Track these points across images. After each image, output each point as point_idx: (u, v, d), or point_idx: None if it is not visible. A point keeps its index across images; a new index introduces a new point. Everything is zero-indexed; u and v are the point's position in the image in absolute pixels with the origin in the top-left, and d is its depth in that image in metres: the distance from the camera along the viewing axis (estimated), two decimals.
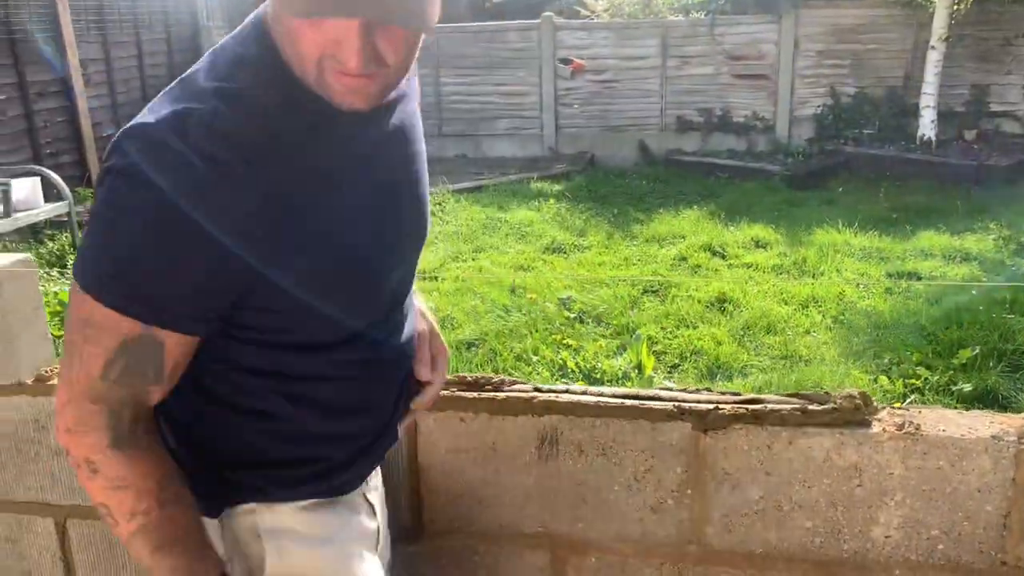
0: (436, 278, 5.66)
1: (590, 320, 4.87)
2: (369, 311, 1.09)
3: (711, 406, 1.46)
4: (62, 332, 1.05)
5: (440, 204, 7.77)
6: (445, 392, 1.53)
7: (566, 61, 10.37)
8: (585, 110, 10.63)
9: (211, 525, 1.14)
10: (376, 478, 1.31)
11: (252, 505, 1.14)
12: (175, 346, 0.97)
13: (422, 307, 1.32)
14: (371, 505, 1.26)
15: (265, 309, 1.00)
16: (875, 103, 9.80)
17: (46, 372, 1.68)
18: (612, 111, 10.57)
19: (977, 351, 3.97)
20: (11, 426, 1.66)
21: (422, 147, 1.16)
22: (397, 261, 1.12)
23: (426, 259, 6.08)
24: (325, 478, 1.16)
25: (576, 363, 4.21)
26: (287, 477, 1.15)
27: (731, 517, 1.48)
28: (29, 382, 1.66)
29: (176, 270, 0.92)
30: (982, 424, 1.40)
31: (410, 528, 1.59)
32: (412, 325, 1.23)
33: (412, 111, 1.14)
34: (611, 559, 1.54)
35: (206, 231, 0.89)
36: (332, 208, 0.99)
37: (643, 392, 1.52)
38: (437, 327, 1.33)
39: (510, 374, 3.98)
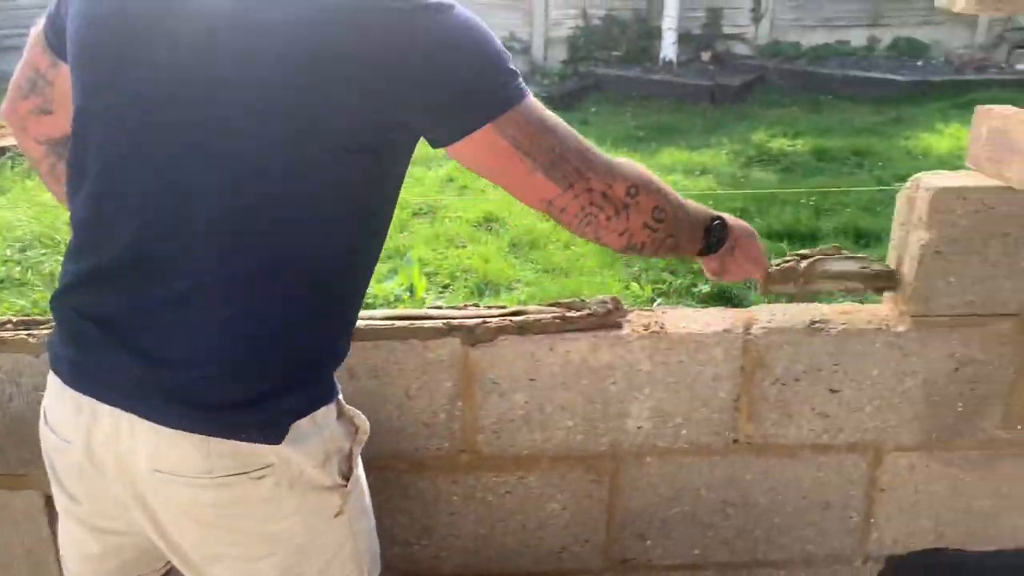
0: None
1: None
2: None
3: (479, 320, 1.51)
4: None
5: None
6: None
7: None
8: None
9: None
10: None
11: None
12: None
13: None
14: None
15: None
16: (622, 25, 10.26)
17: None
18: None
19: None
20: None
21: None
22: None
23: None
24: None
25: None
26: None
27: (500, 424, 1.55)
28: None
29: None
30: (715, 320, 1.56)
31: None
32: None
33: None
34: (387, 476, 1.57)
35: None
36: None
37: (413, 312, 1.54)
38: None
39: None
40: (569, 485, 1.61)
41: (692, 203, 1.22)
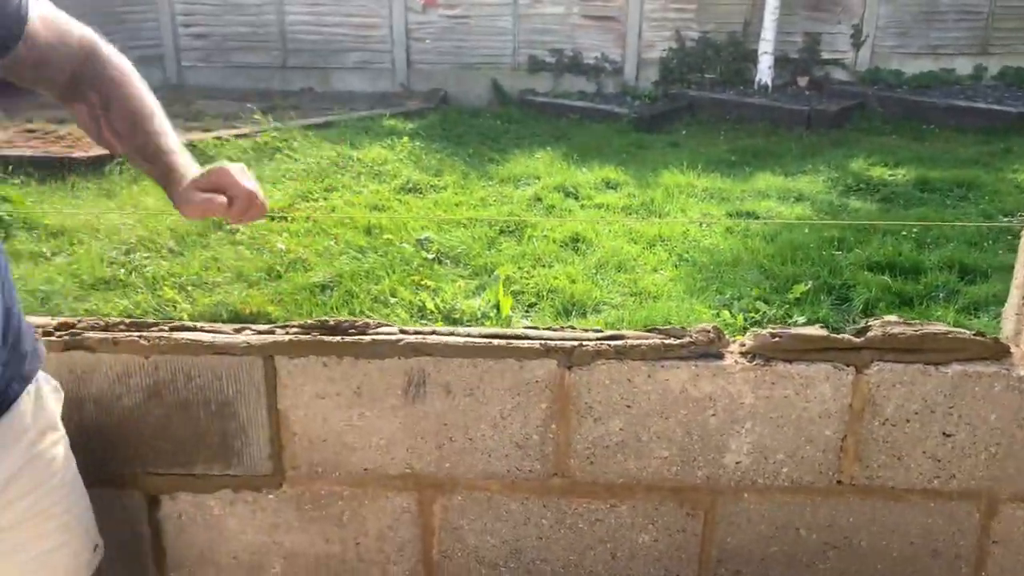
0: (285, 218, 5.45)
1: (448, 261, 4.85)
2: None
3: (575, 343, 1.48)
4: None
5: (287, 140, 7.46)
6: (306, 337, 1.48)
7: None
8: (437, 46, 10.44)
9: None
10: None
11: None
12: None
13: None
14: None
15: None
16: (717, 48, 10.14)
17: None
18: (465, 48, 10.42)
19: (810, 286, 4.25)
20: None
21: None
22: None
23: (273, 198, 5.86)
24: None
25: (435, 304, 4.19)
26: None
27: (594, 449, 1.52)
28: None
29: None
30: (824, 355, 1.50)
31: (271, 475, 1.54)
32: None
33: None
34: (478, 495, 1.55)
35: None
36: None
37: (510, 332, 1.52)
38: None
39: (368, 316, 3.91)
40: (662, 517, 1.56)
41: None
